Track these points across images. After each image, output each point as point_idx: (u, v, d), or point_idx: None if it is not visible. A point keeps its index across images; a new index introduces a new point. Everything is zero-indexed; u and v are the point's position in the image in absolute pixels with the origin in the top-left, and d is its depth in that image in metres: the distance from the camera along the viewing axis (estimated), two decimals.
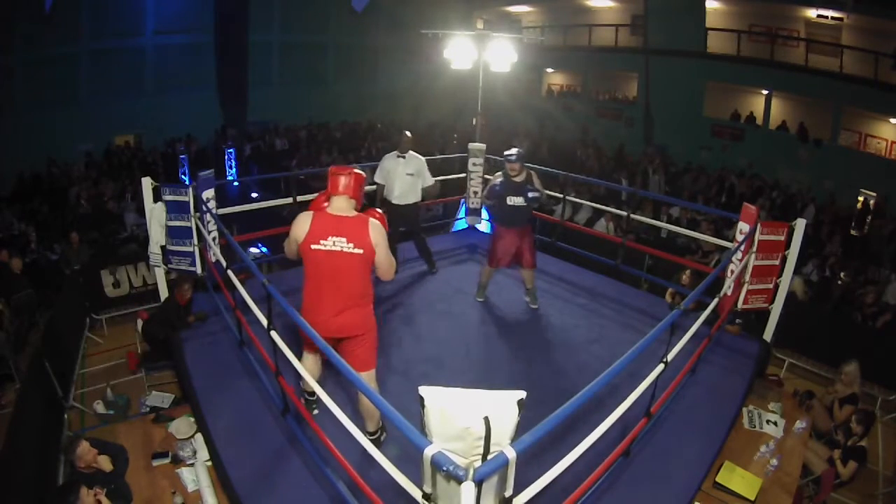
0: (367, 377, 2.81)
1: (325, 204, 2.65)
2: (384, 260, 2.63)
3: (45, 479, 3.24)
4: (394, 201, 4.85)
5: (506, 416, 1.68)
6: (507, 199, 4.29)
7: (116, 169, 12.13)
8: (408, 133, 4.92)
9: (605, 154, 13.99)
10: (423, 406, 1.71)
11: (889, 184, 10.49)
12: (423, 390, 1.72)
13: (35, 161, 11.53)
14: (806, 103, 12.12)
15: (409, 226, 5.09)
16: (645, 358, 2.45)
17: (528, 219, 4.50)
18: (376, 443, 2.91)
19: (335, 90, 16.91)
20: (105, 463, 3.01)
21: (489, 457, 1.63)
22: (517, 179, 4.31)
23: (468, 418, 1.65)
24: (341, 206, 2.62)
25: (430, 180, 4.95)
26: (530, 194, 4.23)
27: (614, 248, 5.38)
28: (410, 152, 4.85)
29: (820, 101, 11.66)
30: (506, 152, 4.34)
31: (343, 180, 2.62)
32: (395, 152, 4.86)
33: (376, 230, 2.60)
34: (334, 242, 2.55)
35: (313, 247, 2.57)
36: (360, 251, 2.56)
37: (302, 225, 2.60)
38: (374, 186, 4.96)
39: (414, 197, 4.91)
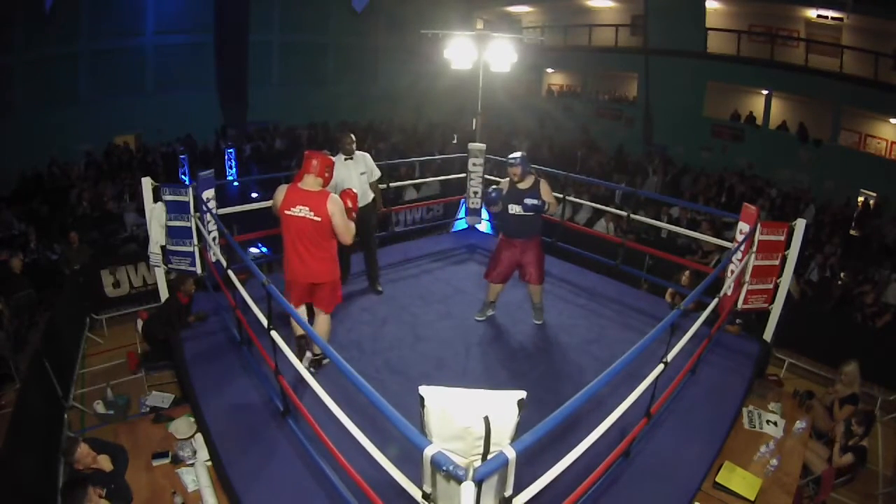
0: (324, 319, 3.60)
1: (300, 180, 3.28)
2: (340, 226, 3.27)
3: (45, 479, 3.24)
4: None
5: (506, 416, 1.69)
6: (509, 206, 4.00)
7: (116, 169, 12.13)
8: (351, 134, 4.61)
9: (605, 154, 13.99)
10: (423, 406, 1.72)
11: (889, 184, 10.50)
12: (424, 390, 1.72)
13: (35, 161, 11.53)
14: (806, 103, 12.12)
15: (371, 228, 4.77)
16: (645, 358, 2.45)
17: (532, 230, 4.13)
18: (317, 364, 3.60)
19: (335, 90, 16.90)
20: (105, 463, 3.01)
21: (489, 456, 1.63)
22: (521, 186, 4.01)
23: (468, 418, 1.65)
24: (309, 182, 3.27)
25: (377, 173, 4.72)
26: (528, 202, 3.85)
27: (614, 249, 5.38)
28: (357, 152, 4.59)
29: (820, 101, 11.66)
30: (509, 156, 4.10)
31: (313, 163, 3.26)
32: (341, 155, 4.47)
33: (333, 203, 3.23)
34: (300, 210, 3.22)
35: (286, 212, 3.25)
36: (319, 219, 3.22)
37: (279, 195, 3.30)
38: None
39: (370, 194, 4.69)
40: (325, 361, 3.65)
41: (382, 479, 1.96)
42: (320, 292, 3.49)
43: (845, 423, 3.91)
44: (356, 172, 4.55)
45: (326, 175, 3.31)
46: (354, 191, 3.50)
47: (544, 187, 4.00)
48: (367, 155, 4.70)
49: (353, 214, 3.40)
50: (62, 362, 4.63)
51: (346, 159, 4.51)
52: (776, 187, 11.26)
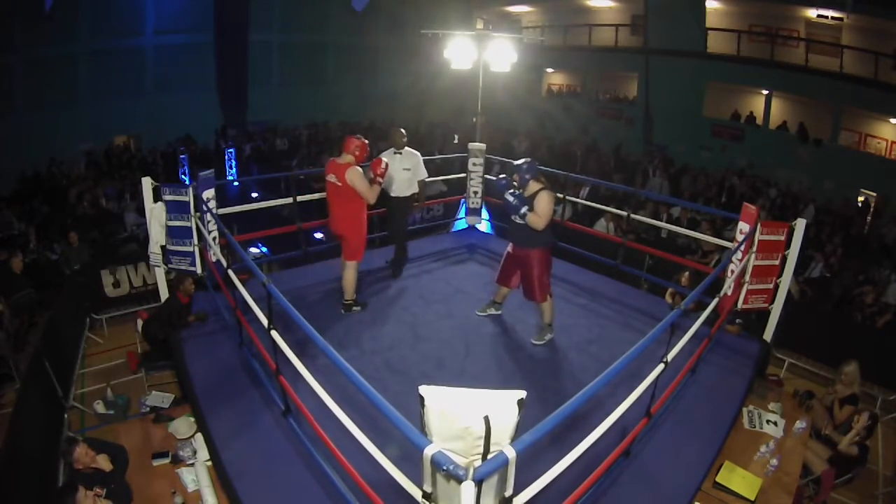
0: (351, 265, 4.35)
1: (339, 156, 4.15)
2: (360, 189, 4.04)
3: (46, 479, 3.24)
4: (392, 194, 5.05)
5: (506, 416, 1.68)
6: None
7: (116, 169, 12.13)
8: (402, 130, 5.06)
9: (606, 154, 13.99)
10: (423, 405, 1.71)
11: (889, 184, 10.49)
12: (424, 390, 1.72)
13: (35, 161, 11.54)
14: (806, 103, 12.12)
15: (402, 218, 5.19)
16: (645, 358, 2.45)
17: (529, 240, 3.87)
18: (348, 308, 4.43)
19: (335, 90, 16.90)
20: (104, 462, 3.01)
21: (489, 456, 1.63)
22: (525, 193, 3.81)
23: (468, 418, 1.65)
24: (343, 157, 4.12)
25: (423, 173, 5.14)
26: (507, 196, 3.75)
27: (614, 248, 5.38)
28: (406, 148, 4.99)
29: (820, 101, 11.66)
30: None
31: (348, 144, 4.13)
32: (392, 149, 4.96)
33: (352, 172, 4.01)
34: (331, 177, 4.11)
35: (326, 178, 4.15)
36: (340, 184, 4.07)
37: (325, 166, 4.21)
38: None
39: (409, 190, 5.07)
40: (355, 308, 4.47)
41: (383, 479, 1.96)
42: (344, 244, 4.31)
43: (842, 425, 3.92)
44: (400, 167, 4.94)
45: (356, 153, 4.12)
46: (385, 163, 4.16)
47: (541, 200, 3.72)
48: (418, 154, 5.08)
49: (379, 180, 4.12)
50: (62, 362, 4.63)
51: (395, 153, 4.95)
52: (776, 187, 11.26)
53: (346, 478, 2.49)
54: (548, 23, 16.98)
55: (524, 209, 3.73)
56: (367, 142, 4.19)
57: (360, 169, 4.07)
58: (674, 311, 2.72)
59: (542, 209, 3.72)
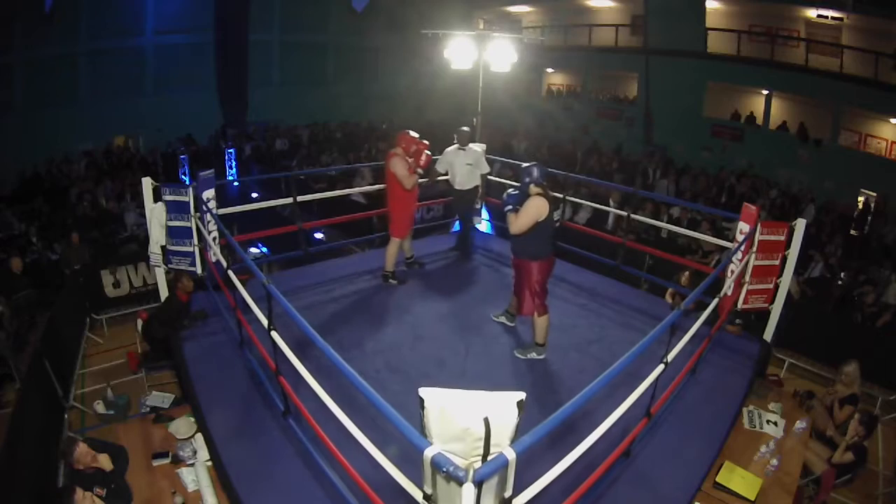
0: (393, 242, 4.96)
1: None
2: (398, 173, 4.66)
3: (46, 479, 3.24)
4: (456, 187, 5.50)
5: (505, 417, 1.68)
6: None
7: (116, 169, 12.13)
8: (465, 128, 5.45)
9: (606, 154, 13.98)
10: (422, 407, 1.71)
11: (889, 184, 10.49)
12: (423, 391, 1.72)
13: (35, 161, 11.53)
14: (806, 103, 12.12)
15: (468, 207, 5.71)
16: (645, 358, 2.45)
17: (517, 248, 3.77)
18: (385, 279, 5.06)
19: (335, 90, 16.90)
20: (105, 462, 3.01)
21: (489, 458, 1.63)
22: (547, 194, 3.68)
23: (468, 419, 1.65)
24: (395, 149, 4.72)
25: (485, 168, 5.67)
26: (504, 196, 3.68)
27: (614, 248, 5.37)
28: (470, 145, 5.42)
29: (820, 101, 11.65)
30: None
31: (399, 139, 4.74)
32: (457, 145, 5.40)
33: (393, 160, 4.67)
34: (385, 165, 4.76)
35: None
36: (386, 171, 4.73)
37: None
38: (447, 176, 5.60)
39: (472, 182, 5.53)
40: (391, 280, 5.02)
41: (383, 480, 1.95)
42: (389, 221, 4.95)
43: (843, 425, 3.92)
44: (463, 161, 5.39)
45: (403, 146, 4.69)
46: (425, 155, 4.69)
47: (527, 205, 3.60)
48: (482, 150, 5.56)
49: (418, 169, 4.70)
50: (62, 362, 4.63)
51: (459, 149, 5.40)
52: (776, 187, 11.26)
53: (347, 478, 2.49)
54: (548, 23, 16.98)
55: (508, 207, 3.64)
56: (415, 136, 4.71)
57: (400, 158, 4.65)
58: (674, 312, 2.72)
59: (522, 213, 3.58)
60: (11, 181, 11.11)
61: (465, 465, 1.55)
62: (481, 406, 1.67)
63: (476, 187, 5.63)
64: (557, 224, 3.84)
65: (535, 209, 3.56)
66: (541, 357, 3.96)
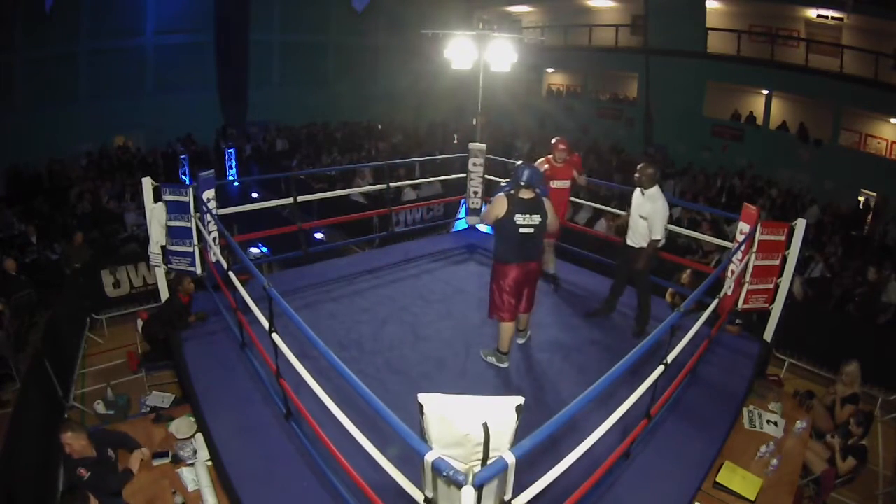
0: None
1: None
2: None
3: (46, 479, 3.24)
4: (627, 241, 4.23)
5: (504, 422, 1.68)
6: None
7: (116, 169, 12.13)
8: (653, 169, 3.99)
9: (606, 155, 13.99)
10: (422, 413, 1.71)
11: (889, 184, 10.50)
12: (422, 397, 1.72)
13: (35, 160, 11.53)
14: (806, 103, 12.12)
15: (628, 269, 4.31)
16: (645, 359, 2.45)
17: (493, 250, 3.72)
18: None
19: (335, 90, 16.90)
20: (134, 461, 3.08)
21: (489, 462, 1.63)
22: (523, 196, 3.51)
23: (467, 425, 1.65)
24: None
25: (657, 234, 3.94)
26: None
27: (614, 249, 5.36)
28: (649, 190, 3.96)
29: (820, 101, 11.66)
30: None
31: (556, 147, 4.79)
32: (639, 188, 4.03)
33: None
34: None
35: None
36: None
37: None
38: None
39: (638, 241, 4.11)
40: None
41: (384, 482, 1.96)
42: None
43: (843, 425, 3.92)
44: (637, 212, 4.04)
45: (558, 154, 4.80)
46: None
47: (492, 201, 3.58)
48: (659, 205, 3.92)
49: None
50: (62, 362, 4.63)
51: (641, 192, 4.02)
52: (777, 187, 11.26)
53: (348, 480, 2.49)
54: (548, 23, 16.99)
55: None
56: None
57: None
58: (674, 313, 2.72)
59: (488, 211, 3.59)
60: (11, 181, 11.10)
61: (464, 469, 1.55)
62: (480, 412, 1.67)
63: (640, 249, 4.15)
64: (529, 232, 3.46)
65: (494, 206, 3.52)
66: (502, 365, 3.75)
